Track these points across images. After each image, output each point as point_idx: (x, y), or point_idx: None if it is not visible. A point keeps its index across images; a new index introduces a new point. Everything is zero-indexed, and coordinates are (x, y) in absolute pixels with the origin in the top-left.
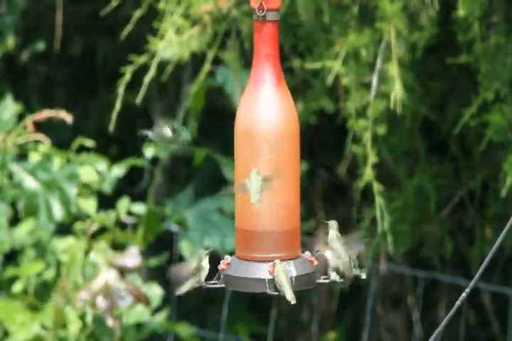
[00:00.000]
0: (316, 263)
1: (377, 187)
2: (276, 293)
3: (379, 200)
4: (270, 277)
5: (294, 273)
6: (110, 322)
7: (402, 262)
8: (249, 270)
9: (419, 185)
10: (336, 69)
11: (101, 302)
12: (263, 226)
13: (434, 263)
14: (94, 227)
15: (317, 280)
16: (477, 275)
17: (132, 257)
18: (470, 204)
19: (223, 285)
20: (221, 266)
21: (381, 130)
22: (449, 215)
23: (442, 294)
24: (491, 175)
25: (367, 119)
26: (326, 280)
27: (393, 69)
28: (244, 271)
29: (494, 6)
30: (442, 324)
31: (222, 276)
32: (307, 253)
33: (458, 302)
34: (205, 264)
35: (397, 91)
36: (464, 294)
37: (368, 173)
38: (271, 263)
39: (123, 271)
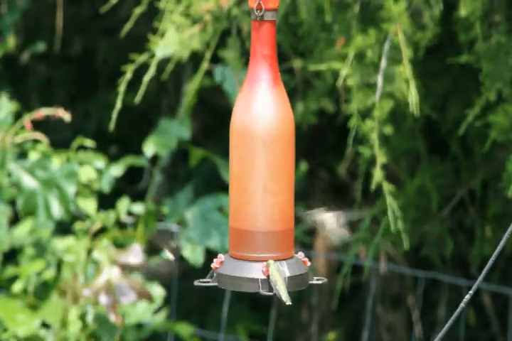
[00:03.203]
0: (309, 263)
1: (387, 187)
2: (269, 293)
3: (389, 200)
4: (263, 277)
5: (287, 274)
6: (113, 318)
7: (402, 262)
8: (242, 269)
9: (420, 185)
10: (343, 72)
11: (103, 298)
12: (257, 226)
13: (434, 263)
14: (97, 227)
15: (310, 281)
16: (480, 278)
17: (135, 254)
18: (470, 203)
19: (216, 284)
20: (214, 264)
21: (387, 130)
22: (449, 215)
23: (442, 294)
24: (491, 174)
25: (373, 120)
26: (319, 282)
27: (406, 71)
28: (237, 271)
29: (495, 5)
30: (446, 327)
31: (215, 275)
32: (300, 254)
33: (462, 305)
34: None
35: (412, 92)
36: (467, 296)
37: (378, 174)
38: (264, 263)
39: (125, 269)
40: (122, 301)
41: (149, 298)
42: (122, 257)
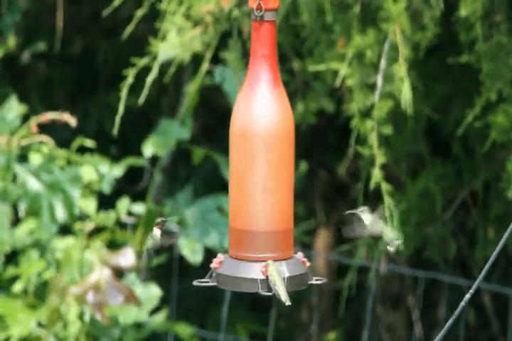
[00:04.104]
0: (308, 264)
1: (385, 187)
2: (268, 294)
3: (387, 200)
4: (262, 277)
5: (287, 274)
6: (99, 316)
7: (403, 262)
8: (242, 269)
9: (423, 187)
10: (342, 72)
11: (91, 297)
12: (256, 226)
13: (435, 264)
14: (91, 226)
15: (309, 281)
16: (480, 277)
17: (126, 257)
18: (472, 205)
19: (215, 284)
20: (213, 264)
21: (387, 130)
22: (451, 217)
23: (442, 294)
24: (493, 175)
25: (372, 120)
26: (318, 282)
27: (401, 70)
28: (236, 271)
29: (496, 5)
30: (446, 326)
31: (214, 275)
32: (300, 254)
33: (462, 303)
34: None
35: (406, 91)
36: (467, 295)
37: (376, 174)
38: (263, 263)
39: (120, 271)
40: (110, 302)
41: (137, 302)
42: (113, 259)
